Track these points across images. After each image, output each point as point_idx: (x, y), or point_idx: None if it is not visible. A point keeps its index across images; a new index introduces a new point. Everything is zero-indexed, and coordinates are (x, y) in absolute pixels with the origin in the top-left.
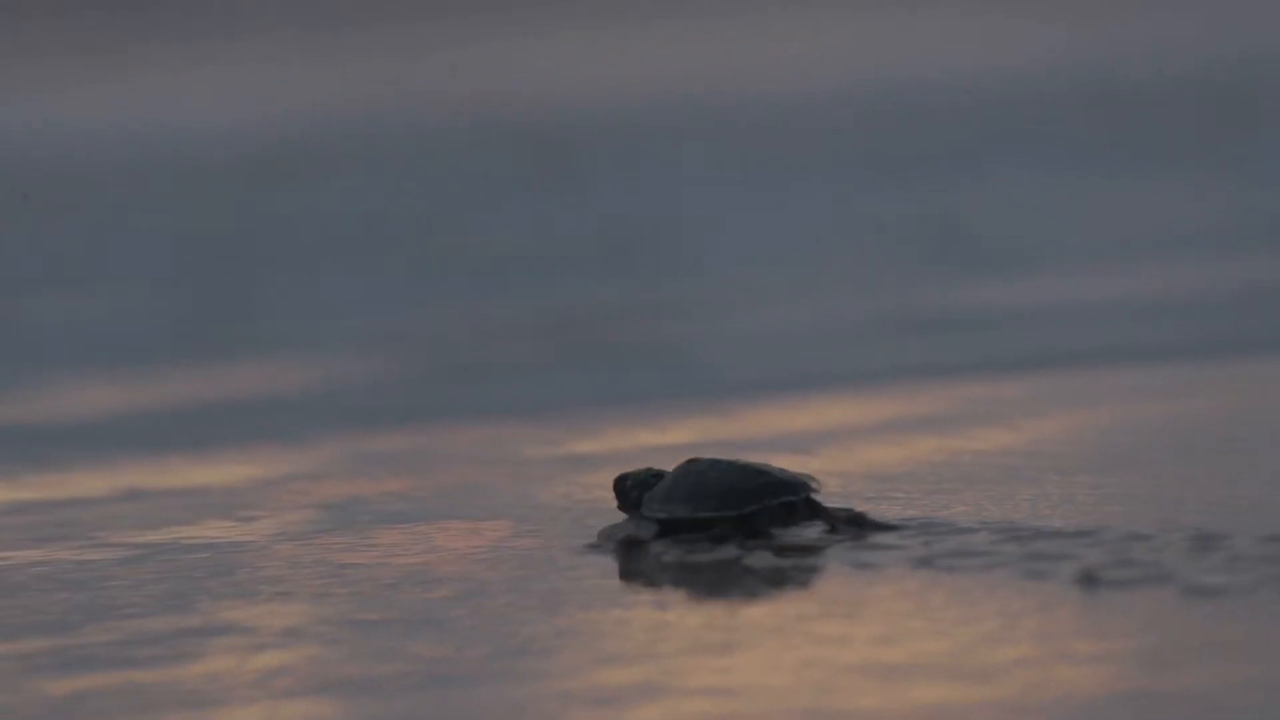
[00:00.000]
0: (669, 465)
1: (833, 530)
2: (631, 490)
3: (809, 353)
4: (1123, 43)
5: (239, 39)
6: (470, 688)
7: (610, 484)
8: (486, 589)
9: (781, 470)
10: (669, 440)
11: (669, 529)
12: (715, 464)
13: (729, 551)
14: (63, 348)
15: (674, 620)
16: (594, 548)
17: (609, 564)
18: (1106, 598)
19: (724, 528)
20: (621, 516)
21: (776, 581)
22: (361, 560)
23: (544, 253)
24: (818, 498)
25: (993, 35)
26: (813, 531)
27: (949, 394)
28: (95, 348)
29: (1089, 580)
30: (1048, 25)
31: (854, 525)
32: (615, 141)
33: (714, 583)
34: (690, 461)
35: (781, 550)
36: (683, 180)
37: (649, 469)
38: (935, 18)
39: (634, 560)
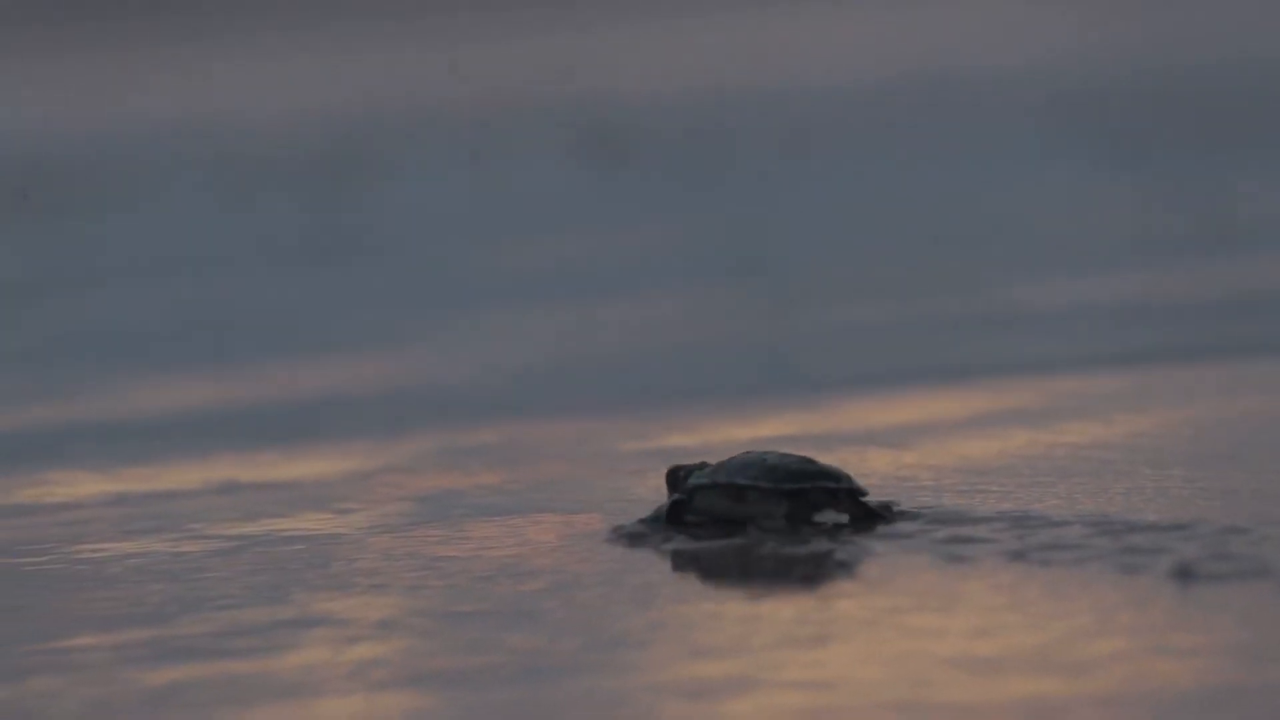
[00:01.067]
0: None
1: (856, 520)
2: (684, 480)
3: (902, 347)
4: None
5: (300, 32)
6: (563, 680)
7: (664, 476)
8: (579, 582)
9: (829, 465)
10: (762, 434)
11: (705, 507)
12: (769, 452)
13: (821, 544)
14: (158, 342)
15: (766, 613)
16: (636, 536)
17: (700, 557)
18: (1202, 592)
19: (762, 508)
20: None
21: (867, 575)
22: (455, 553)
23: (635, 250)
24: (862, 498)
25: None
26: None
27: (1042, 388)
28: (191, 341)
29: (1184, 574)
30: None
31: (878, 519)
32: (683, 136)
33: (806, 575)
34: (745, 452)
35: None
36: (759, 173)
37: (704, 462)
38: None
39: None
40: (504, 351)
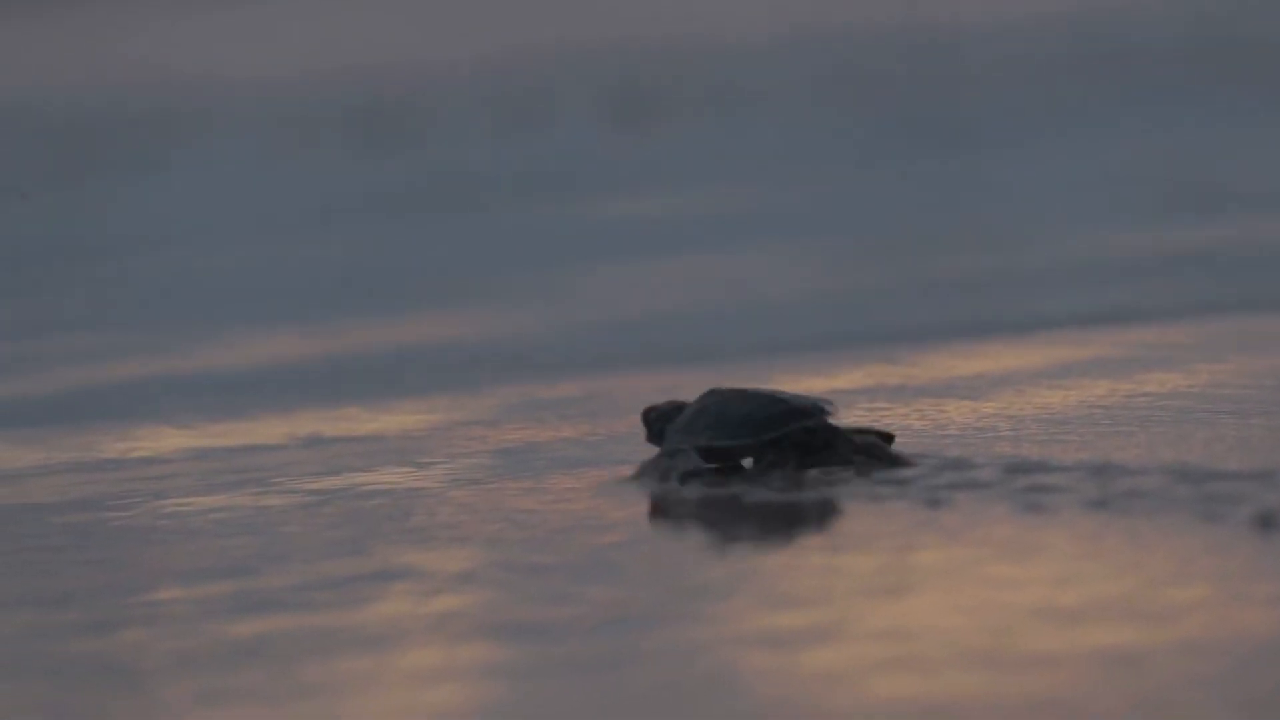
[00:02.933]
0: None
1: (850, 462)
2: (655, 423)
3: (980, 299)
4: None
5: None
6: (644, 631)
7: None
8: (658, 533)
9: (797, 396)
10: (838, 385)
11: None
12: (737, 393)
13: (898, 498)
14: (243, 298)
15: (846, 564)
16: (633, 479)
17: (777, 508)
18: None
19: (754, 455)
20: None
21: (947, 525)
22: (535, 505)
23: (711, 204)
24: (834, 422)
25: None
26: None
27: (1122, 338)
28: (275, 297)
29: (1265, 522)
30: None
31: (872, 458)
32: (730, 86)
33: (884, 527)
34: (710, 392)
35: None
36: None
37: (672, 401)
38: None
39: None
40: (583, 306)
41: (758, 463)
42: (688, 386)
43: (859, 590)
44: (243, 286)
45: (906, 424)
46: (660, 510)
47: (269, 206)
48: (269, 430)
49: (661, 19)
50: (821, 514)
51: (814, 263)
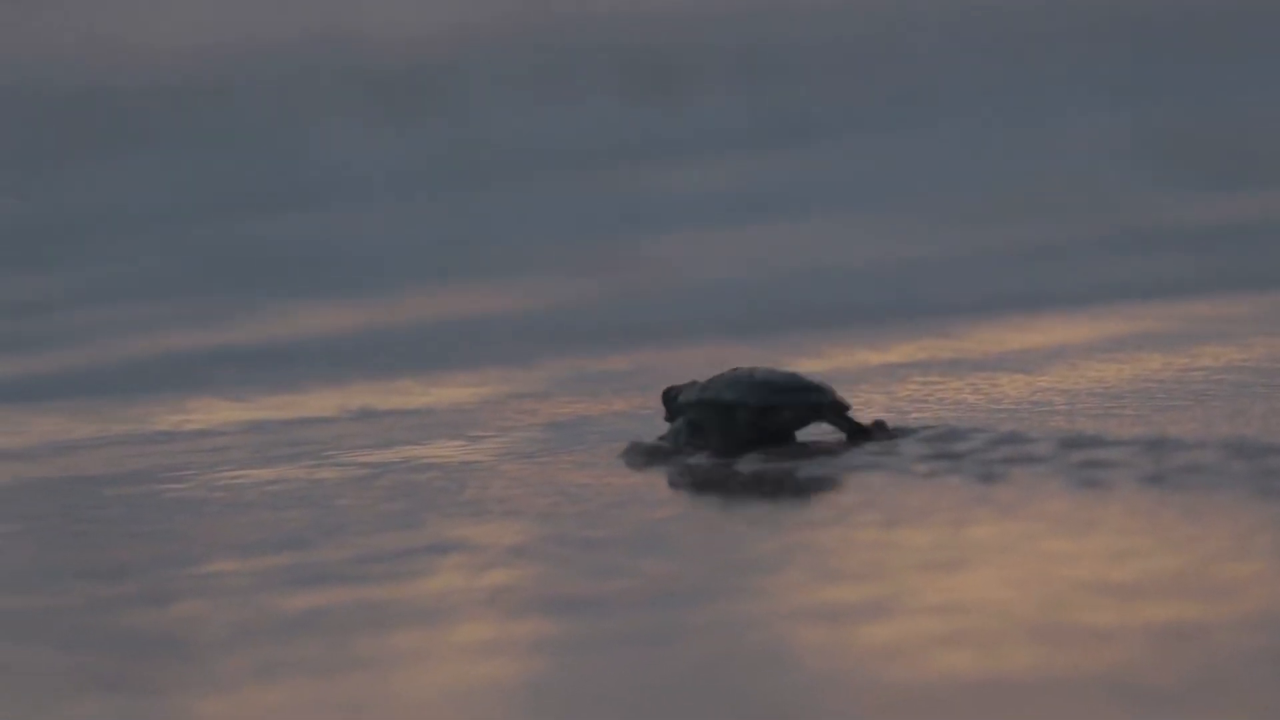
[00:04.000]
0: (875, 382)
1: (852, 438)
2: (673, 402)
3: (1032, 272)
4: None
5: None
6: (697, 605)
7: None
8: (710, 507)
9: (812, 379)
10: (891, 359)
11: (698, 418)
12: (755, 369)
13: (949, 473)
14: (295, 270)
15: (900, 539)
16: (624, 455)
17: (830, 481)
18: None
19: (750, 425)
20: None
21: (1001, 500)
22: (587, 479)
23: (760, 175)
24: (846, 411)
25: None
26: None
27: (1176, 311)
28: (326, 270)
29: None
30: None
31: (870, 435)
32: (770, 55)
33: (938, 502)
34: (734, 369)
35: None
36: (863, 95)
37: (693, 382)
38: None
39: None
40: (632, 278)
41: (758, 430)
42: (737, 359)
43: (913, 565)
44: (290, 258)
45: (960, 398)
46: (711, 484)
47: (305, 178)
48: (321, 403)
49: None
50: (872, 488)
51: (861, 235)
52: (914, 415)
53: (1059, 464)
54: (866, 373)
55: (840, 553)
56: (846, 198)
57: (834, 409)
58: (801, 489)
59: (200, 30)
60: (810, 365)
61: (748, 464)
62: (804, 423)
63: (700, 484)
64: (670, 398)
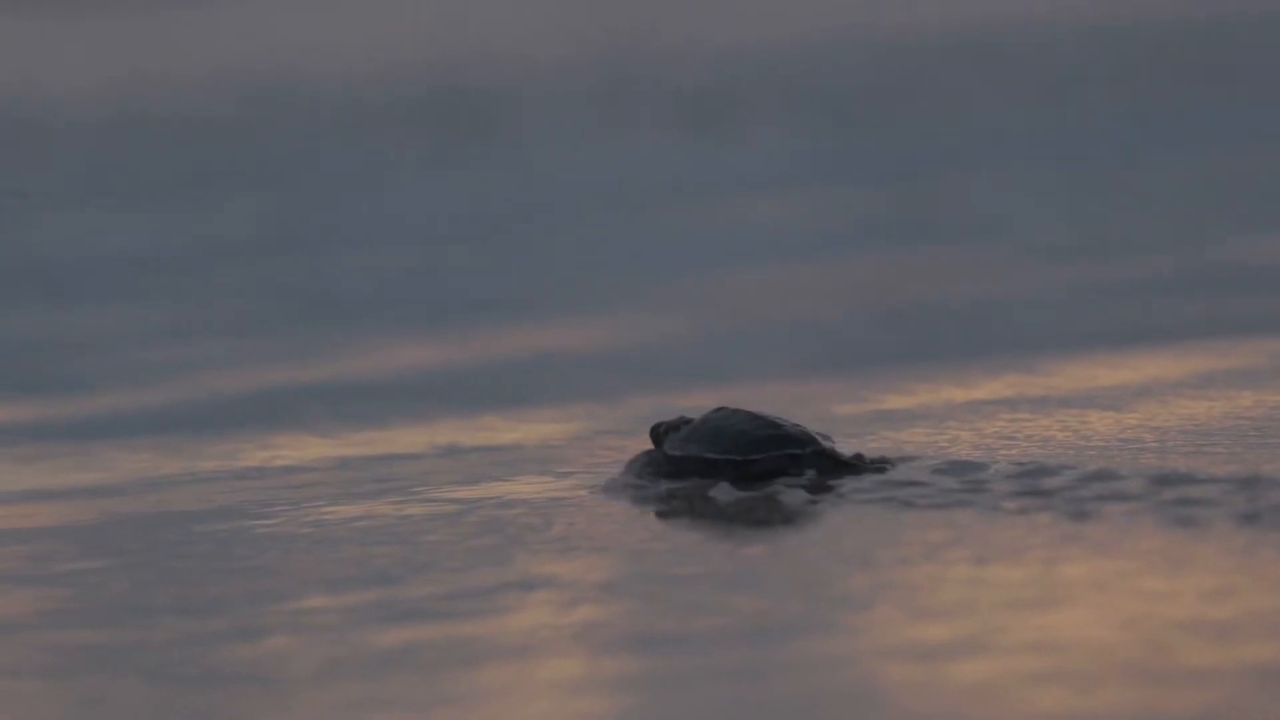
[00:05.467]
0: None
1: (835, 473)
2: (663, 435)
3: (1119, 307)
4: None
5: None
6: (788, 641)
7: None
8: (800, 543)
9: (796, 425)
10: (977, 396)
11: (680, 469)
12: (735, 413)
13: (1040, 510)
14: (380, 305)
15: (991, 576)
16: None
17: (919, 518)
18: None
19: (731, 471)
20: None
21: (1094, 538)
22: (675, 515)
23: (835, 210)
24: (830, 451)
25: None
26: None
27: (1267, 348)
28: (411, 305)
29: None
30: None
31: (855, 469)
32: (835, 86)
33: (1028, 540)
34: (717, 409)
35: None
36: (957, 129)
37: (681, 417)
38: None
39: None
40: (716, 314)
41: (741, 479)
42: (821, 397)
43: (1006, 602)
44: (379, 294)
45: (1049, 435)
46: (800, 521)
47: (381, 213)
48: (408, 439)
49: (732, 19)
50: (965, 526)
51: (942, 269)
52: (1001, 452)
53: (1151, 501)
54: (953, 410)
55: (931, 590)
56: (916, 233)
57: (816, 458)
58: (890, 527)
59: (283, 65)
60: (898, 402)
61: (836, 502)
62: (784, 471)
63: (789, 521)
64: (660, 432)
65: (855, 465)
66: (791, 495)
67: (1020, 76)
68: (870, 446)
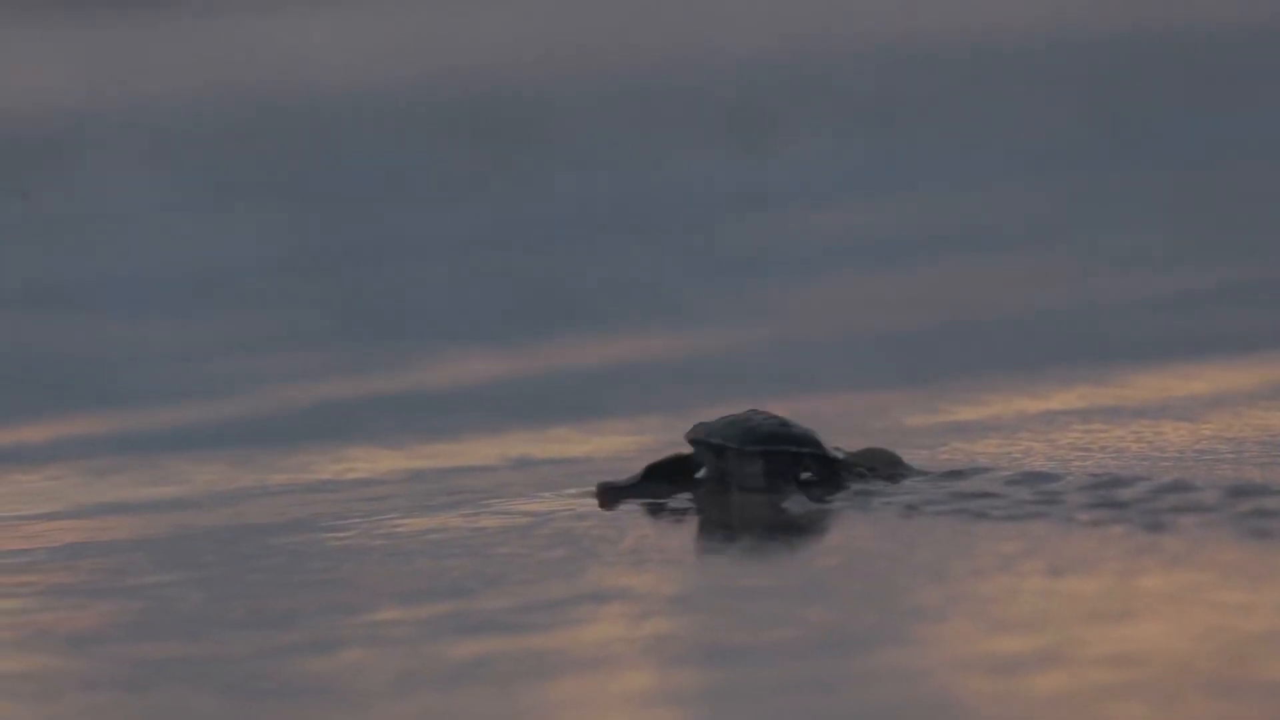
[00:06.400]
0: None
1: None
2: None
3: (1193, 317)
4: None
5: None
6: (861, 653)
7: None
8: (872, 555)
9: (807, 430)
10: (1050, 406)
11: (654, 473)
12: (758, 413)
13: (1113, 523)
14: (451, 317)
15: (1067, 589)
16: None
17: (989, 530)
18: None
19: (732, 463)
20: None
21: (1169, 550)
22: (748, 527)
23: (903, 222)
24: (837, 457)
25: None
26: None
27: None
28: (482, 316)
29: None
30: None
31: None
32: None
33: (1103, 552)
34: (751, 410)
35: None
36: (990, 138)
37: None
38: None
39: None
40: (787, 325)
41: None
42: (894, 407)
43: (1082, 614)
44: (451, 306)
45: (1123, 446)
46: (872, 532)
47: (446, 223)
48: (480, 451)
49: (768, 27)
50: (1040, 537)
51: (1009, 279)
52: (1075, 463)
53: (1227, 513)
54: (1025, 420)
55: (1005, 602)
56: (986, 242)
57: (815, 459)
58: (963, 539)
59: (322, 77)
60: (971, 414)
61: (909, 514)
62: (787, 471)
63: (861, 533)
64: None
65: (855, 468)
66: (863, 508)
67: (1074, 82)
68: (941, 459)
